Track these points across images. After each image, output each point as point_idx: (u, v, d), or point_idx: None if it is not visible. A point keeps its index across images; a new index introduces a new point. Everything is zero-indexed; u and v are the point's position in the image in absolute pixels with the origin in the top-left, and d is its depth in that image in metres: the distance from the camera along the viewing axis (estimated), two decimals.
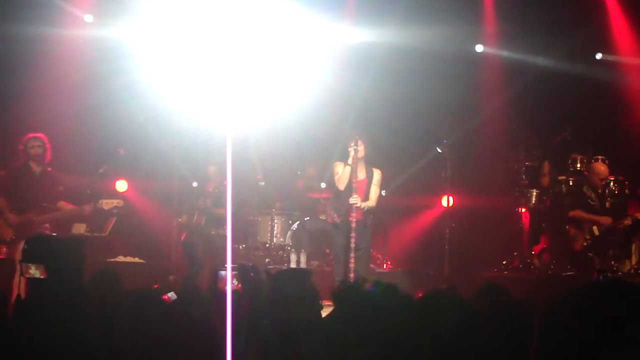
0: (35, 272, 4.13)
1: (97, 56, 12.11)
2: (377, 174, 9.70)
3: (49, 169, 10.05)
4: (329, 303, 3.87)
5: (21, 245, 8.75)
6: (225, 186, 11.20)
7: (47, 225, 9.63)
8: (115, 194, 11.62)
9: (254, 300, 4.23)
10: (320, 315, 3.77)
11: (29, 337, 3.27)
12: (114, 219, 12.17)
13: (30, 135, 10.01)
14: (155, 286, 5.93)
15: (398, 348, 2.88)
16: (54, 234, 8.21)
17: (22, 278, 4.43)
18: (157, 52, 11.71)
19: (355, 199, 9.35)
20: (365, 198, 9.56)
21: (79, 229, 11.66)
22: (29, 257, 4.28)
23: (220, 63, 10.73)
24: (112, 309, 3.64)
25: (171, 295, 5.49)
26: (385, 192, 11.31)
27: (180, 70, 11.45)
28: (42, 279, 4.10)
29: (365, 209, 9.50)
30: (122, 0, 11.82)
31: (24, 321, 3.37)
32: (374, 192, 9.67)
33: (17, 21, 11.46)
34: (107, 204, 9.81)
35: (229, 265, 3.94)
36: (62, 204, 9.89)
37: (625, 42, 12.84)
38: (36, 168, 9.78)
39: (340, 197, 9.60)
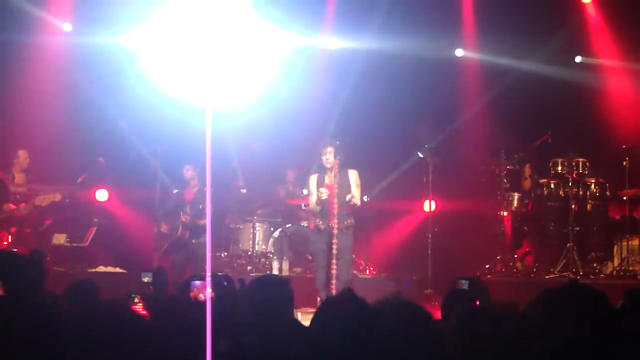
0: None
1: (76, 65, 12.06)
2: (353, 175, 9.60)
3: None
4: (311, 310, 3.85)
5: None
6: (205, 192, 11.08)
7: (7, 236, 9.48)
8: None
9: (229, 309, 4.19)
10: (294, 321, 3.75)
11: None
12: (95, 229, 12.09)
13: None
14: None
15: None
16: (14, 250, 8.07)
17: None
18: (137, 59, 11.66)
19: (323, 193, 9.33)
20: (339, 197, 9.45)
21: (59, 239, 11.57)
22: None
23: (200, 68, 10.69)
24: (86, 321, 3.56)
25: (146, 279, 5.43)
26: (368, 198, 11.29)
27: (158, 76, 11.40)
28: (1, 296, 4.04)
29: (351, 202, 9.44)
30: (101, 8, 11.76)
31: None
32: (357, 192, 9.60)
33: None
34: (42, 200, 9.61)
35: (208, 273, 3.89)
36: (8, 206, 9.69)
37: (604, 45, 12.88)
38: None
39: (321, 204, 9.55)
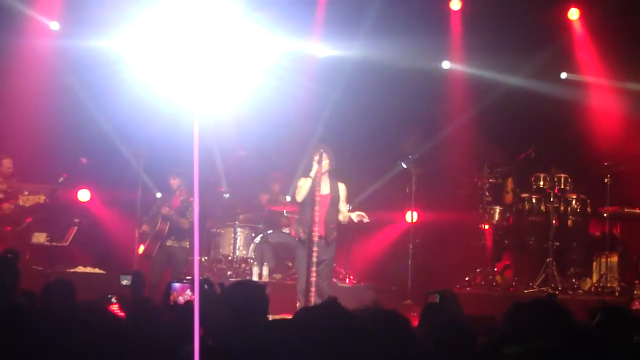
0: None
1: (63, 66, 12.02)
2: (342, 188, 9.62)
3: None
4: (290, 316, 3.85)
5: None
6: (191, 202, 10.97)
7: None
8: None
9: (210, 313, 4.19)
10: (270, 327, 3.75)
11: None
12: (75, 228, 12.03)
13: None
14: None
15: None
16: None
17: None
18: (124, 62, 11.63)
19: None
20: (329, 212, 9.46)
21: (39, 238, 11.50)
22: None
23: (187, 72, 10.64)
24: (61, 321, 3.54)
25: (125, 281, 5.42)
26: (350, 207, 11.29)
27: (146, 79, 11.35)
28: None
29: (344, 222, 9.53)
30: (89, 11, 11.73)
31: None
32: (344, 207, 9.65)
33: None
34: (26, 200, 9.58)
35: (196, 277, 3.89)
36: None
37: (590, 62, 12.96)
38: None
39: (304, 211, 9.54)
